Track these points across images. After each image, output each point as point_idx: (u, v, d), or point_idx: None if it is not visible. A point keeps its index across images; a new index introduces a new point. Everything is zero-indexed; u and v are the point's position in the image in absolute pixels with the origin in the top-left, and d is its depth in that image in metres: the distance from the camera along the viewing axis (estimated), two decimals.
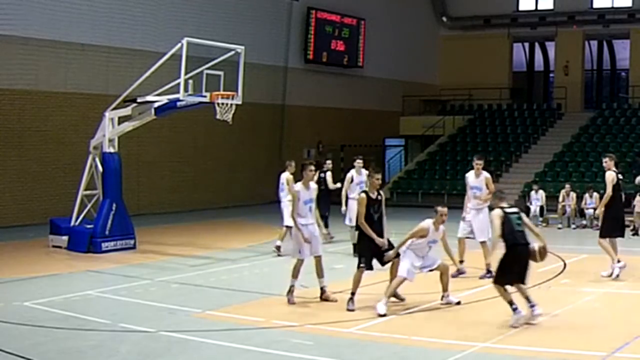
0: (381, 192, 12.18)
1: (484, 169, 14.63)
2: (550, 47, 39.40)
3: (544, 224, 23.37)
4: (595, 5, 36.92)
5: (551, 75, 39.86)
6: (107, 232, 17.52)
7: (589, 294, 12.55)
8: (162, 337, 10.00)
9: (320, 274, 12.06)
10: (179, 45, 16.75)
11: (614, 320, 10.74)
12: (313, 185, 12.19)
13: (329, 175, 18.93)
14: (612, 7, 36.52)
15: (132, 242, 18.03)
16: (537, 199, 23.92)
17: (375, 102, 36.10)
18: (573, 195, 23.08)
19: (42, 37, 22.90)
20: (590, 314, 11.27)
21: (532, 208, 23.77)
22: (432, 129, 35.47)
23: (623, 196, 14.67)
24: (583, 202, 22.94)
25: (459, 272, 13.83)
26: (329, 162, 18.90)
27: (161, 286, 13.57)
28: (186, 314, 11.28)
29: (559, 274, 14.38)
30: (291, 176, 17.09)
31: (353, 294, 11.46)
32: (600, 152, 31.04)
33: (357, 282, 11.52)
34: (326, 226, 17.85)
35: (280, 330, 10.22)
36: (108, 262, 16.14)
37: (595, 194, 22.94)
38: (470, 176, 14.70)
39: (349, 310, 11.26)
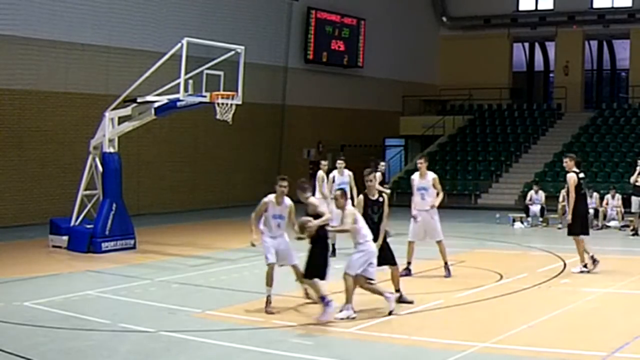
0: (384, 193, 12.17)
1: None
2: (550, 47, 39.41)
3: (544, 224, 23.38)
4: (595, 5, 36.92)
5: (551, 75, 39.86)
6: (107, 232, 17.51)
7: (589, 294, 12.55)
8: (162, 337, 10.00)
9: (300, 280, 11.57)
10: (179, 45, 16.75)
11: (614, 320, 10.74)
12: (287, 202, 11.37)
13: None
14: (612, 7, 36.53)
15: (132, 242, 18.02)
16: (538, 199, 23.92)
17: (375, 102, 36.10)
18: None
19: (42, 37, 22.90)
20: (590, 314, 11.27)
21: (532, 208, 23.77)
22: (432, 129, 35.48)
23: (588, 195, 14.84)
24: None
25: (404, 271, 13.92)
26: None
27: (161, 286, 13.57)
28: (186, 314, 11.28)
29: (559, 274, 14.38)
30: (324, 174, 17.24)
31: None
32: (600, 152, 31.17)
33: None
34: None
35: (280, 330, 10.22)
36: (108, 262, 16.13)
37: (595, 194, 22.95)
38: (415, 177, 14.51)
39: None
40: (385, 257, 11.66)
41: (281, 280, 13.91)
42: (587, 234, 14.75)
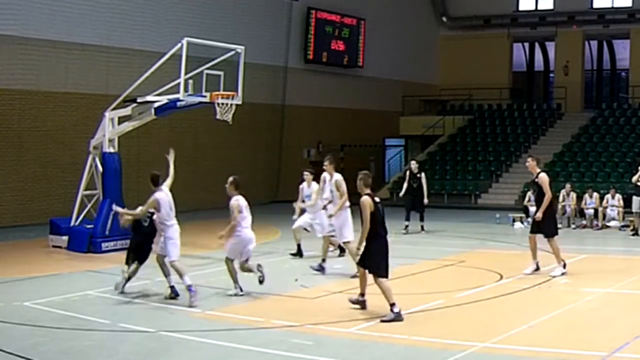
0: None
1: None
2: (550, 47, 39.41)
3: None
4: (595, 5, 36.93)
5: (551, 75, 39.87)
6: (107, 232, 17.51)
7: (589, 294, 12.54)
8: (162, 337, 10.00)
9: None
10: (179, 45, 16.74)
11: (614, 320, 10.73)
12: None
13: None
14: (612, 7, 36.54)
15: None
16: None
17: (375, 102, 36.11)
18: (573, 195, 23.07)
19: (42, 37, 22.91)
20: (590, 314, 11.26)
21: (532, 209, 23.71)
22: (432, 129, 35.47)
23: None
24: (583, 202, 22.91)
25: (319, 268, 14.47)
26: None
27: (161, 286, 13.56)
28: (186, 314, 11.28)
29: (561, 274, 14.35)
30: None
31: None
32: (600, 152, 31.16)
33: None
34: None
35: (280, 330, 10.22)
36: (108, 262, 16.11)
37: (595, 194, 22.94)
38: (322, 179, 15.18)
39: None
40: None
41: (281, 280, 13.94)
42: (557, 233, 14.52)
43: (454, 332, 10.04)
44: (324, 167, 14.93)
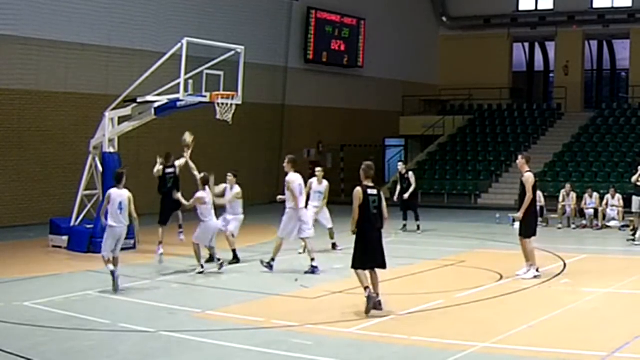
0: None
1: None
2: (550, 47, 39.41)
3: (544, 224, 23.33)
4: (595, 5, 36.93)
5: (551, 75, 39.87)
6: None
7: (589, 294, 12.54)
8: (162, 337, 10.00)
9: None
10: (179, 45, 16.74)
11: (614, 320, 10.73)
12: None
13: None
14: (612, 7, 36.53)
15: (132, 242, 17.99)
16: (536, 200, 23.86)
17: (375, 102, 36.11)
18: (573, 195, 23.06)
19: (42, 37, 22.91)
20: (590, 314, 11.27)
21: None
22: (432, 129, 35.47)
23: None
24: (583, 202, 22.91)
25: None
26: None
27: (161, 286, 13.58)
28: (186, 314, 11.28)
29: (559, 274, 14.37)
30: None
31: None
32: (600, 152, 31.16)
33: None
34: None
35: (280, 330, 10.22)
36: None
37: (595, 194, 22.93)
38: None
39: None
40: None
41: (281, 280, 13.95)
42: (535, 234, 14.30)
43: (454, 332, 10.04)
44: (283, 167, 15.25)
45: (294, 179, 14.76)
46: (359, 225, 11.06)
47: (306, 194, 16.56)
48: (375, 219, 11.11)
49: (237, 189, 16.29)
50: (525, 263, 13.97)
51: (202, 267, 14.49)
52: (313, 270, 14.50)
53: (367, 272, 11.11)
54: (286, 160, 15.06)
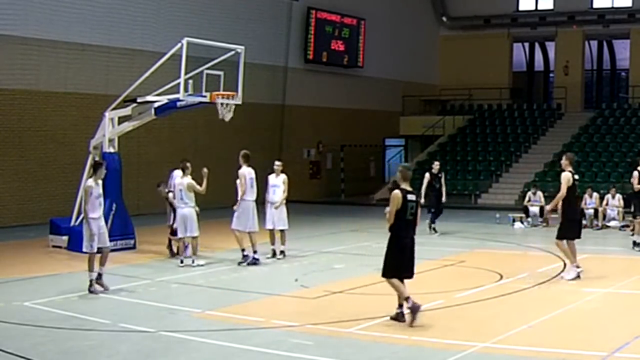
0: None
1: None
2: (550, 47, 39.41)
3: (544, 224, 23.34)
4: (595, 5, 36.93)
5: (551, 75, 39.87)
6: None
7: (589, 294, 12.54)
8: (162, 337, 10.00)
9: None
10: (179, 45, 16.74)
11: (614, 320, 10.74)
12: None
13: None
14: (612, 7, 36.53)
15: (132, 242, 18.02)
16: (536, 200, 23.91)
17: (375, 102, 36.10)
18: None
19: (42, 37, 22.91)
20: (590, 314, 11.27)
21: (532, 209, 23.76)
22: (432, 129, 35.47)
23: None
24: (583, 202, 22.89)
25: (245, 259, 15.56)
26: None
27: (161, 286, 13.58)
28: (186, 314, 11.28)
29: (559, 274, 14.36)
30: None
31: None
32: (600, 152, 31.16)
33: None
34: None
35: (280, 330, 10.22)
36: (108, 262, 16.04)
37: (595, 194, 22.93)
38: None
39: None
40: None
41: (281, 280, 13.95)
42: (579, 237, 14.22)
43: (454, 332, 10.04)
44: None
45: (245, 172, 15.90)
46: (394, 231, 10.46)
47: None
48: (411, 226, 10.54)
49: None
50: (568, 264, 13.98)
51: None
52: (254, 260, 15.49)
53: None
54: (240, 155, 16.01)
